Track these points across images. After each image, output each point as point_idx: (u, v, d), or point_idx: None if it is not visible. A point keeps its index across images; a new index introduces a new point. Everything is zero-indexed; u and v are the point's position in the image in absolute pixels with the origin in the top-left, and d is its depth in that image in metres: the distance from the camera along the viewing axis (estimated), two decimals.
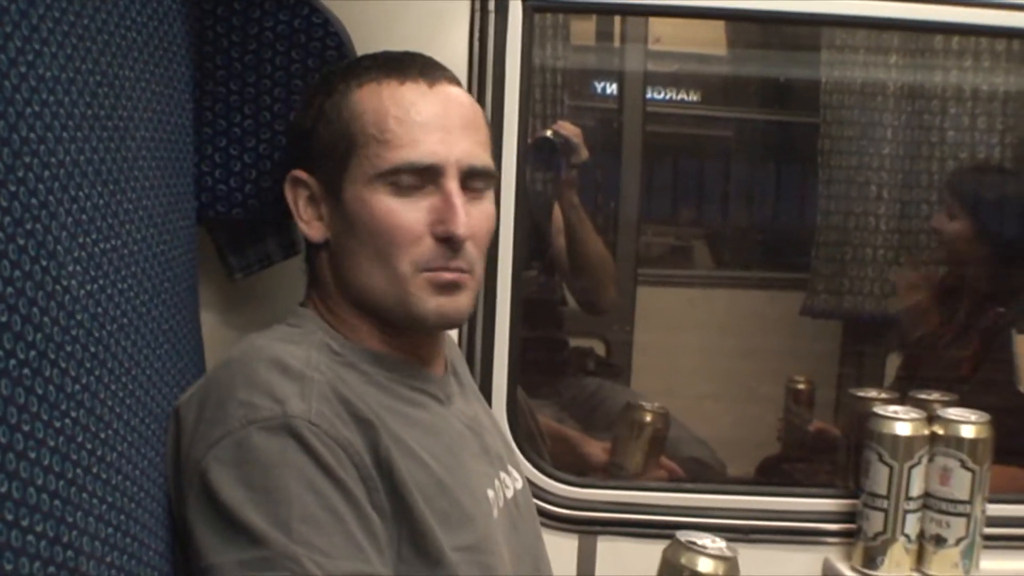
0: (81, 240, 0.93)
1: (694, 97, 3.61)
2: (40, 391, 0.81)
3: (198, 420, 1.12)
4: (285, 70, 1.40)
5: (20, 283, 0.79)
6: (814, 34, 3.02)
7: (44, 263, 0.83)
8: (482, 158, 1.23)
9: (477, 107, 1.29)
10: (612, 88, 3.42)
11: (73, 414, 0.88)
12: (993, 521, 1.70)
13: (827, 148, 3.15)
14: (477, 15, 1.58)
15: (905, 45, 3.08)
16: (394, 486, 1.12)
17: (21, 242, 0.80)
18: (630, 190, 3.26)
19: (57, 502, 0.83)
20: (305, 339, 1.20)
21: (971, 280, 2.62)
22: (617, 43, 3.35)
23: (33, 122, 0.83)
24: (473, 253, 1.22)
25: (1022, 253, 2.66)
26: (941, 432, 1.66)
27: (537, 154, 2.38)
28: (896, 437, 1.65)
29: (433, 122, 1.20)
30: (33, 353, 0.81)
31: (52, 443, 0.83)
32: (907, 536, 1.66)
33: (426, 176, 1.19)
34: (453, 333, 1.59)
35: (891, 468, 1.64)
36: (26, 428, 0.79)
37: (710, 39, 3.28)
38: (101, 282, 0.97)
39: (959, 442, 1.65)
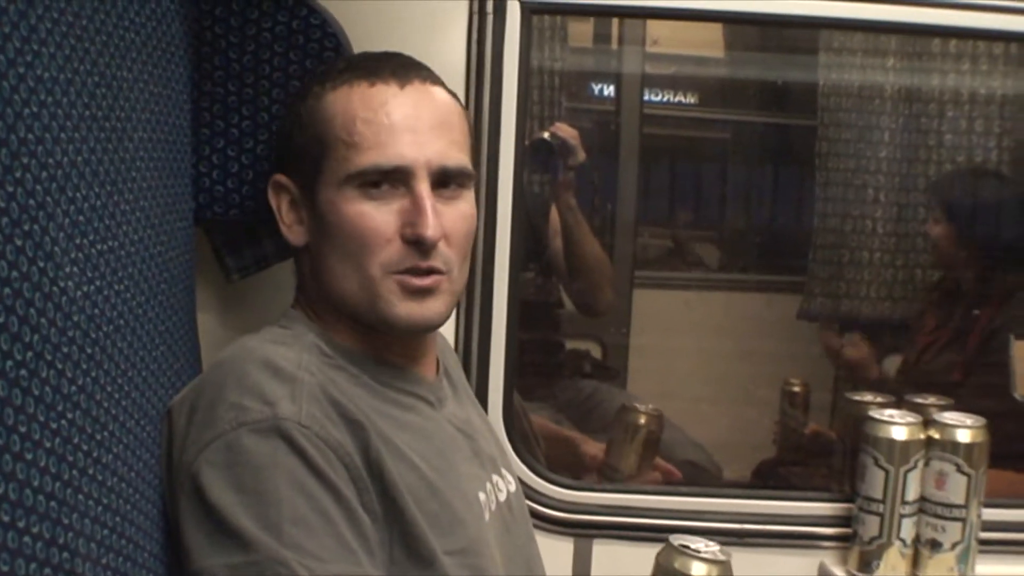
0: (78, 241, 0.93)
1: (691, 99, 3.61)
2: (37, 392, 0.81)
3: (189, 422, 1.12)
4: (283, 71, 1.39)
5: (17, 284, 0.79)
6: (812, 37, 3.02)
7: (41, 264, 0.83)
8: (456, 158, 1.22)
9: (454, 106, 1.27)
10: (609, 90, 3.42)
11: (69, 415, 0.88)
12: (989, 525, 1.70)
13: (824, 151, 3.15)
14: (475, 17, 1.58)
15: (902, 48, 3.08)
16: (385, 488, 1.12)
17: (19, 243, 0.79)
18: (627, 192, 3.26)
19: (53, 504, 0.83)
20: (296, 341, 1.20)
21: (960, 284, 2.64)
22: (615, 45, 3.35)
23: (31, 123, 0.83)
24: (448, 254, 1.21)
25: (1005, 256, 2.67)
26: (937, 436, 1.67)
27: (534, 156, 2.38)
28: (892, 441, 1.65)
29: (402, 123, 1.19)
30: (30, 354, 0.81)
31: (48, 444, 0.83)
32: (903, 540, 1.67)
33: (396, 178, 1.19)
34: (449, 335, 1.59)
35: (887, 472, 1.64)
36: (23, 429, 0.79)
37: (708, 41, 3.28)
38: (98, 283, 0.97)
39: (955, 446, 1.65)
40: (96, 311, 0.96)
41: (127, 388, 1.04)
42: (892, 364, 2.78)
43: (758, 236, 3.63)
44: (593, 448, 2.12)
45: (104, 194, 1.00)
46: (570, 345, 2.98)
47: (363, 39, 1.40)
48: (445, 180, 1.21)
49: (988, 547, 1.71)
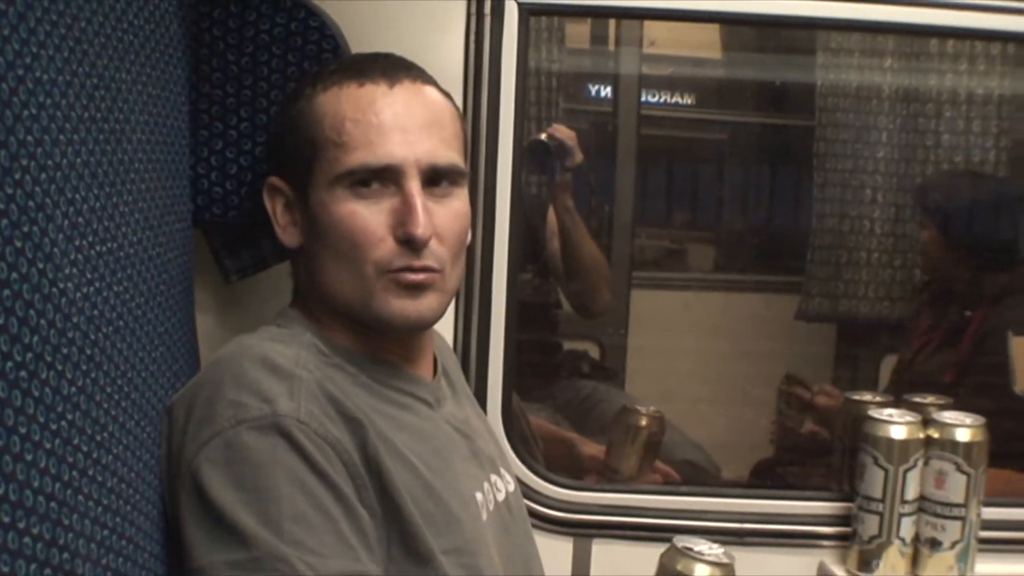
0: (77, 243, 0.93)
1: (689, 100, 3.62)
2: (36, 393, 0.81)
3: (188, 420, 1.12)
4: (281, 73, 1.39)
5: (17, 285, 0.79)
6: (809, 37, 3.03)
7: (41, 265, 0.83)
8: (447, 156, 1.22)
9: (446, 105, 1.27)
10: (607, 91, 3.42)
11: (69, 416, 0.88)
12: (988, 524, 1.70)
13: (822, 151, 3.16)
14: (473, 18, 1.58)
15: (900, 49, 3.09)
16: (383, 486, 1.13)
17: (18, 244, 0.80)
18: (625, 193, 3.26)
19: (53, 504, 0.83)
20: (294, 339, 1.21)
21: (950, 284, 2.64)
22: (612, 46, 3.35)
23: (30, 124, 0.83)
24: (441, 252, 1.21)
25: (993, 258, 2.67)
26: (936, 435, 1.67)
27: (532, 157, 2.38)
28: (891, 440, 1.65)
29: (391, 122, 1.19)
30: (30, 355, 0.81)
31: (48, 445, 0.83)
32: (902, 539, 1.67)
33: (386, 177, 1.19)
34: (448, 336, 1.59)
35: (886, 471, 1.64)
36: (23, 430, 0.79)
37: (705, 42, 3.28)
38: (97, 284, 0.97)
39: (954, 445, 1.65)
40: (95, 312, 0.96)
41: (126, 389, 1.04)
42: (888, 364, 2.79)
43: (756, 237, 3.63)
44: (591, 449, 2.12)
45: (103, 195, 1.00)
46: (568, 346, 2.97)
47: (361, 41, 1.41)
48: (436, 178, 1.21)
49: (988, 546, 1.71)
